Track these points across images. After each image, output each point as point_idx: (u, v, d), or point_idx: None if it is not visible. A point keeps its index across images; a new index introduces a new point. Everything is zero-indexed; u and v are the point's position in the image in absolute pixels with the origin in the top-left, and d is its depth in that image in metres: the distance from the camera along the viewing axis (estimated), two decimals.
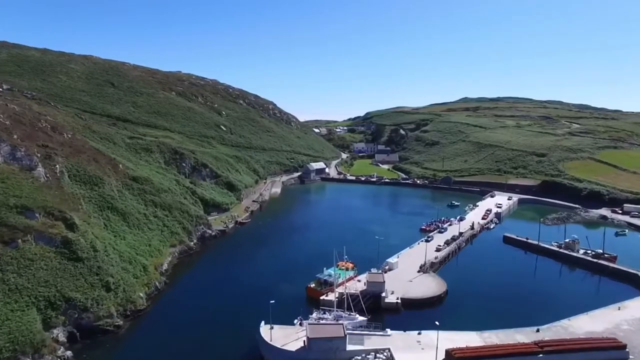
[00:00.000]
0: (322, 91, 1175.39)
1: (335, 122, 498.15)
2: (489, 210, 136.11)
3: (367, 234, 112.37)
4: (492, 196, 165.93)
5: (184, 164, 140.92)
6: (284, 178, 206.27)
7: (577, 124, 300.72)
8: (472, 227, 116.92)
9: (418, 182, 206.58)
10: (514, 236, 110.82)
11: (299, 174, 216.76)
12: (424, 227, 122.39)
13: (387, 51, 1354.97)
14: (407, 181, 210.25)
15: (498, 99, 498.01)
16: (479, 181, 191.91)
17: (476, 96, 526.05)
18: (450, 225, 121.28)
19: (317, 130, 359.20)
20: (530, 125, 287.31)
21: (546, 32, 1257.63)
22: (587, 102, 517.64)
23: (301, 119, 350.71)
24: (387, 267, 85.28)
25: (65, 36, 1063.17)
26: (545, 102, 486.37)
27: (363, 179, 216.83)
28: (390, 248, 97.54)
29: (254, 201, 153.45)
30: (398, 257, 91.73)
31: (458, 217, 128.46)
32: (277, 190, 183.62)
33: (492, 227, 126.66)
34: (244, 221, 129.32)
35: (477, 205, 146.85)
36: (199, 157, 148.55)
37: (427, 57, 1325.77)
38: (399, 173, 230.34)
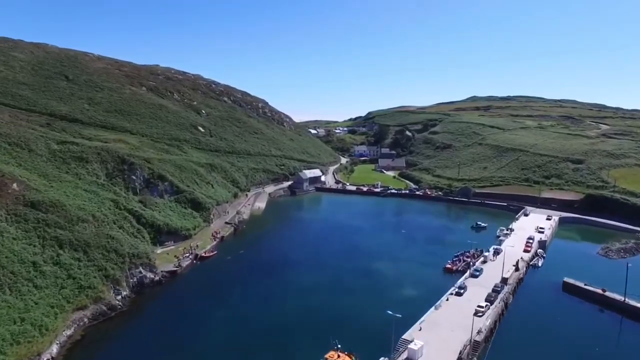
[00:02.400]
0: (322, 91, 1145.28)
1: (336, 122, 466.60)
2: (531, 239, 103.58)
3: (374, 283, 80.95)
4: (525, 214, 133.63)
5: (133, 177, 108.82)
6: (272, 189, 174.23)
7: (604, 124, 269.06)
8: (516, 268, 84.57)
9: (430, 193, 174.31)
10: (580, 284, 78.09)
11: (289, 183, 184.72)
12: (449, 266, 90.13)
13: (389, 50, 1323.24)
14: (417, 192, 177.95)
15: (509, 98, 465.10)
16: (504, 194, 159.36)
17: (485, 95, 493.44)
18: (484, 262, 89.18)
19: (314, 131, 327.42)
20: (553, 125, 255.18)
21: (550, 32, 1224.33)
22: (600, 101, 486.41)
23: (301, 119, 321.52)
24: (405, 358, 53.18)
25: (38, 25, 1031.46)
26: (560, 100, 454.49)
27: (365, 189, 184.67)
28: (405, 305, 65.57)
29: (227, 223, 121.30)
30: (420, 328, 59.68)
31: (492, 249, 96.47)
32: (261, 205, 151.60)
33: (539, 264, 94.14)
34: (207, 254, 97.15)
35: (512, 229, 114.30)
36: (156, 167, 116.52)
37: (431, 56, 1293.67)
38: (407, 182, 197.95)
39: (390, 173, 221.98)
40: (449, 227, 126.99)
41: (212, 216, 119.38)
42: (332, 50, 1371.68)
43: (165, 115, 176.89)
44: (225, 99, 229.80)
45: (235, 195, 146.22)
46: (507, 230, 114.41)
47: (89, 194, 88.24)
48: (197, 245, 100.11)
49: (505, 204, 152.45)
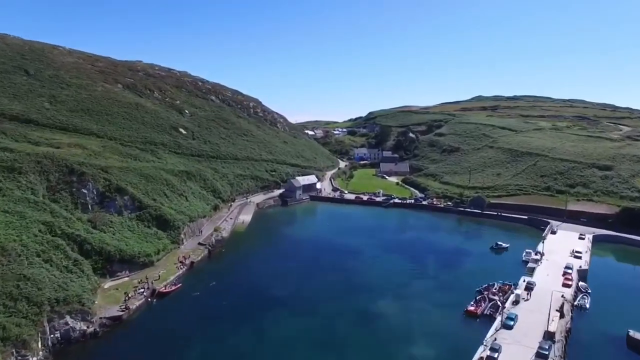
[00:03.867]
0: (323, 91, 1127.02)
1: (336, 122, 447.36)
2: (569, 268, 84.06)
3: (374, 336, 62.25)
4: (553, 232, 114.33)
5: (83, 191, 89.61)
6: (260, 198, 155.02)
7: (623, 125, 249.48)
8: (561, 314, 65.10)
9: (438, 203, 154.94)
10: None
11: (281, 191, 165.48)
12: (471, 308, 70.59)
13: (389, 50, 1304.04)
14: (423, 202, 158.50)
15: (516, 98, 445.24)
16: (523, 205, 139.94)
17: (491, 94, 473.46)
18: (516, 302, 69.89)
19: (311, 133, 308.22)
20: (569, 127, 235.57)
21: (551, 32, 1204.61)
22: (608, 101, 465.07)
23: (301, 119, 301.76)
24: None
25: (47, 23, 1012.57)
26: (569, 100, 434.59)
27: (365, 198, 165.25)
28: None
29: (201, 244, 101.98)
30: None
31: (523, 282, 77.67)
32: (246, 218, 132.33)
33: (586, 304, 74.44)
34: (167, 289, 77.83)
35: (541, 253, 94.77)
36: (115, 177, 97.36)
37: (433, 55, 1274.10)
38: (412, 190, 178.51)
39: (393, 179, 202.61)
40: (464, 249, 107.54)
41: (182, 236, 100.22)
42: (332, 50, 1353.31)
43: (142, 115, 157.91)
44: (213, 97, 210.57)
45: (216, 208, 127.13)
46: (536, 253, 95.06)
47: (10, 217, 68.98)
48: (158, 276, 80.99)
49: (526, 217, 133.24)
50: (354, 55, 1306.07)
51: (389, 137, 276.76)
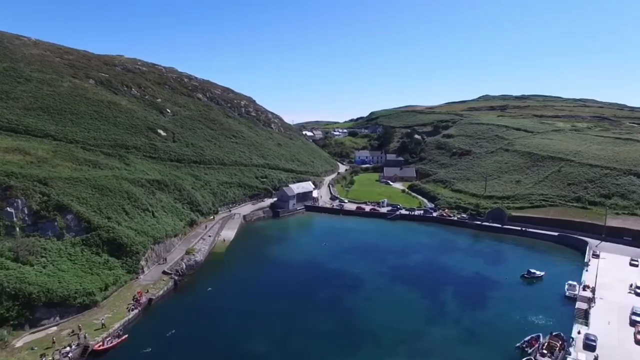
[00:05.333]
0: (323, 91, 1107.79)
1: (337, 123, 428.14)
2: (638, 315, 64.73)
3: None
4: (595, 255, 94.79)
5: (10, 210, 70.46)
6: (248, 209, 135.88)
7: None
8: None
9: (451, 215, 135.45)
10: None
11: (272, 200, 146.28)
12: None
13: (390, 49, 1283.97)
14: (434, 213, 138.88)
15: (524, 97, 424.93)
16: (551, 219, 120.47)
17: (498, 94, 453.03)
18: None
19: (309, 134, 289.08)
20: (589, 127, 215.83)
21: (558, 31, 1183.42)
22: (620, 101, 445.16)
23: (301, 120, 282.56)
24: None
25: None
26: (580, 100, 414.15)
27: (368, 208, 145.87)
28: None
29: (166, 272, 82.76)
30: None
31: (580, 335, 58.42)
32: (229, 234, 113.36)
33: None
34: (104, 346, 58.18)
35: (592, 288, 75.24)
36: (57, 191, 78.25)
37: (437, 54, 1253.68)
38: (420, 198, 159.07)
39: (398, 185, 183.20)
40: (488, 277, 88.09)
41: (143, 263, 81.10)
42: (332, 50, 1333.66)
43: (115, 115, 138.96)
44: (200, 95, 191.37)
45: (192, 224, 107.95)
46: (583, 288, 75.61)
47: None
48: (101, 324, 61.78)
49: (556, 233, 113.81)
50: (354, 54, 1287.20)
51: (393, 138, 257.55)
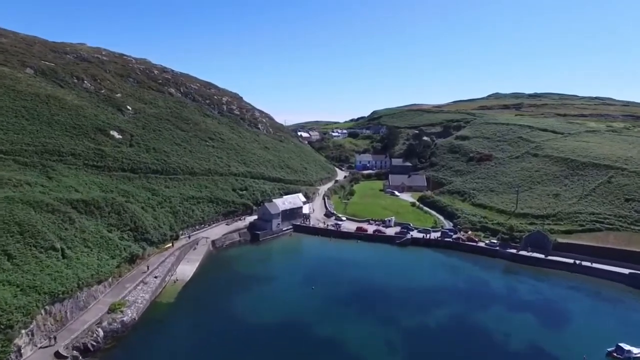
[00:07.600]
0: (323, 91, 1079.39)
1: (337, 123, 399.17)
2: None
3: None
4: None
5: None
6: (220, 231, 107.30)
7: None
8: None
9: (477, 241, 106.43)
10: None
11: (253, 218, 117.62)
12: None
13: (390, 48, 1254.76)
14: (453, 237, 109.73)
15: (538, 95, 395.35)
16: (615, 249, 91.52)
17: (509, 92, 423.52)
18: None
19: (305, 135, 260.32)
20: (629, 128, 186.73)
21: (560, 31, 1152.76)
22: (634, 99, 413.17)
23: (301, 120, 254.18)
24: None
25: None
26: (596, 98, 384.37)
27: (371, 229, 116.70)
28: None
29: (60, 354, 53.89)
30: None
31: None
32: (186, 270, 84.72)
33: None
34: None
35: None
36: None
37: (439, 53, 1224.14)
38: (435, 215, 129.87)
39: (406, 197, 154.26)
40: (550, 354, 58.99)
41: (23, 340, 52.30)
42: (332, 49, 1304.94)
43: (53, 112, 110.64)
44: (172, 90, 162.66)
45: (133, 259, 79.20)
46: None
47: None
48: None
49: (627, 272, 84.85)
50: (354, 54, 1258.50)
51: (398, 140, 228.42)
